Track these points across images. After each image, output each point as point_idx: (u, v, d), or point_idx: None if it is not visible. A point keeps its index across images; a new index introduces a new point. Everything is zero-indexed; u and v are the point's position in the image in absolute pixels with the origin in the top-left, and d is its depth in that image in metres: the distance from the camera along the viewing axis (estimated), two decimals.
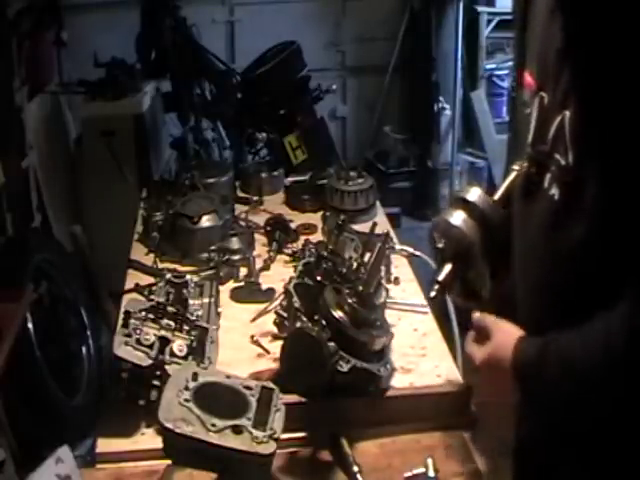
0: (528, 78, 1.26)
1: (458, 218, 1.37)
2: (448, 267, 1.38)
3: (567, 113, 1.11)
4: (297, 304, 1.70)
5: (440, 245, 1.40)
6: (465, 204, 1.39)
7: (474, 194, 1.39)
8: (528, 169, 1.24)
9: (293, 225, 2.47)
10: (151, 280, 2.11)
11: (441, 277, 1.38)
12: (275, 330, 1.85)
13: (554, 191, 1.16)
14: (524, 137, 1.31)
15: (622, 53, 1.03)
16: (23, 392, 2.74)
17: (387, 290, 1.93)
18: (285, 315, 1.76)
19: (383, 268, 2.04)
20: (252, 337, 1.89)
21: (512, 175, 1.35)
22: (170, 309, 1.76)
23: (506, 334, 1.25)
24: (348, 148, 5.39)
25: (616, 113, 1.04)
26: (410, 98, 5.26)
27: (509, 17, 4.74)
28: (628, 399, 1.08)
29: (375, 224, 1.84)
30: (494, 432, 1.66)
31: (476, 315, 1.32)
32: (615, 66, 1.03)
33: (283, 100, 3.52)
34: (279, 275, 2.14)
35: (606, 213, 1.07)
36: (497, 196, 1.38)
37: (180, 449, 1.33)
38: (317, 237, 2.39)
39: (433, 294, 1.40)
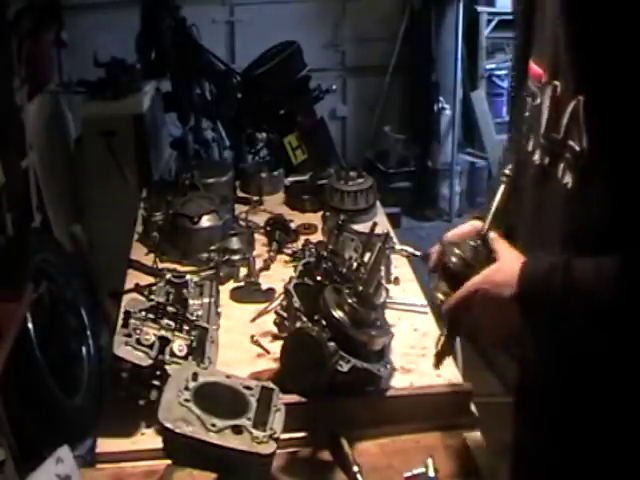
0: (535, 68, 1.26)
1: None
2: (443, 338, 1.44)
3: (581, 98, 1.11)
4: (297, 304, 1.70)
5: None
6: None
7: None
8: (541, 159, 1.24)
9: (293, 225, 2.47)
10: (151, 280, 2.11)
11: (438, 348, 1.45)
12: (275, 330, 1.85)
13: (568, 179, 1.16)
14: (522, 130, 1.32)
15: (634, 37, 1.03)
16: (23, 392, 2.74)
17: (387, 290, 1.93)
18: (285, 315, 1.76)
19: (383, 268, 2.04)
20: (252, 337, 1.89)
21: (501, 189, 1.36)
22: (170, 309, 1.76)
23: (513, 256, 1.25)
24: (348, 148, 5.39)
25: (631, 97, 1.04)
26: (410, 98, 5.27)
27: (509, 17, 4.75)
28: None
29: (375, 224, 1.83)
30: (494, 432, 1.66)
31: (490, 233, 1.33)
32: (628, 50, 1.04)
33: (283, 100, 3.52)
34: (279, 275, 2.14)
35: (623, 200, 1.07)
36: (488, 219, 1.37)
37: (180, 449, 1.33)
38: (317, 237, 2.39)
39: (435, 364, 1.47)
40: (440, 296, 1.36)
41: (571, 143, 1.15)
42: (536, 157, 1.25)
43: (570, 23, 1.14)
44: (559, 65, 1.18)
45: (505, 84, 5.15)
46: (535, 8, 1.28)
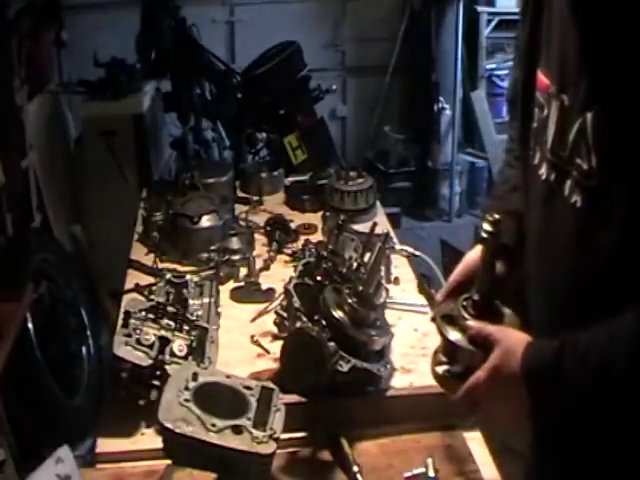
0: (542, 78, 1.22)
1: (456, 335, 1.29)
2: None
3: (589, 115, 1.07)
4: (297, 304, 1.70)
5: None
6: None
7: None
8: (547, 175, 1.19)
9: (293, 225, 2.47)
10: (151, 280, 2.11)
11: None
12: (275, 330, 1.85)
13: (576, 198, 1.12)
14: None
15: None
16: (23, 392, 2.74)
17: (387, 290, 1.93)
18: (285, 315, 1.76)
19: (383, 268, 2.04)
20: (252, 337, 1.89)
21: (482, 251, 1.26)
22: (170, 309, 1.76)
23: (513, 340, 1.18)
24: (348, 148, 5.39)
25: None
26: (410, 98, 5.27)
27: (509, 17, 4.75)
28: None
29: (375, 224, 1.83)
30: (494, 432, 1.66)
31: (474, 326, 1.25)
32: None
33: (283, 100, 3.52)
34: (279, 275, 2.14)
35: (636, 220, 1.03)
36: (476, 289, 1.28)
37: (180, 449, 1.33)
38: (317, 237, 2.39)
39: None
40: (442, 373, 1.32)
41: (578, 161, 1.10)
42: (542, 171, 1.21)
43: (579, 22, 1.09)
44: (567, 75, 1.13)
45: (505, 84, 5.13)
46: (542, 8, 1.22)
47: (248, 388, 1.43)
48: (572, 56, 1.12)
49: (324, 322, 1.59)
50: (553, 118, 1.17)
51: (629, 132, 1.03)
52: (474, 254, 1.40)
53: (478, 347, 1.22)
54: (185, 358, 1.65)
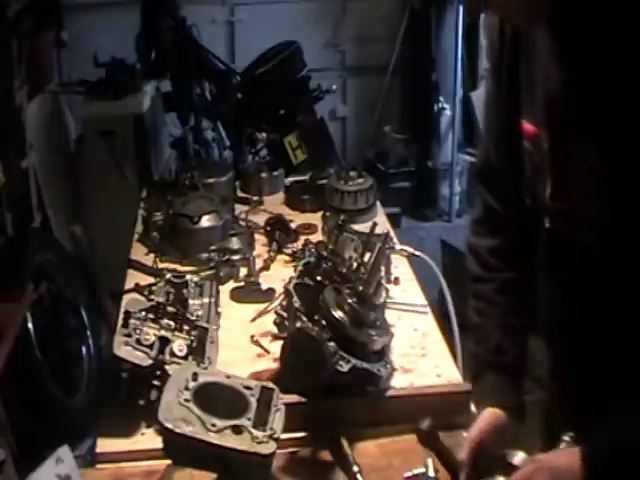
0: (528, 126, 1.20)
1: None
2: None
3: (589, 161, 1.06)
4: (297, 304, 1.70)
5: None
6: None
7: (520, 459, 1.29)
8: (551, 224, 1.18)
9: (293, 225, 2.47)
10: (151, 280, 2.11)
11: None
12: (275, 330, 1.85)
13: (586, 242, 1.12)
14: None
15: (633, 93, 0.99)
16: (23, 392, 2.74)
17: (387, 290, 1.93)
18: (285, 315, 1.76)
19: (383, 268, 2.04)
20: (252, 337, 1.89)
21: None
22: (170, 309, 1.76)
23: (564, 456, 1.14)
24: (348, 148, 5.39)
25: None
26: (410, 98, 5.27)
27: None
28: None
29: (375, 224, 1.83)
30: None
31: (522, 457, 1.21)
32: (631, 108, 1.00)
33: (283, 100, 3.52)
34: (279, 275, 2.14)
35: None
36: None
37: (180, 449, 1.33)
38: (317, 237, 2.39)
39: None
40: None
41: (583, 207, 1.10)
42: (545, 219, 1.20)
43: (566, 68, 1.08)
44: (557, 124, 1.12)
45: None
46: (519, 60, 1.20)
47: (248, 388, 1.43)
48: (562, 103, 1.10)
49: (324, 322, 1.59)
50: (548, 166, 1.16)
51: (634, 173, 1.02)
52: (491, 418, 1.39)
53: None
54: (185, 358, 1.65)
